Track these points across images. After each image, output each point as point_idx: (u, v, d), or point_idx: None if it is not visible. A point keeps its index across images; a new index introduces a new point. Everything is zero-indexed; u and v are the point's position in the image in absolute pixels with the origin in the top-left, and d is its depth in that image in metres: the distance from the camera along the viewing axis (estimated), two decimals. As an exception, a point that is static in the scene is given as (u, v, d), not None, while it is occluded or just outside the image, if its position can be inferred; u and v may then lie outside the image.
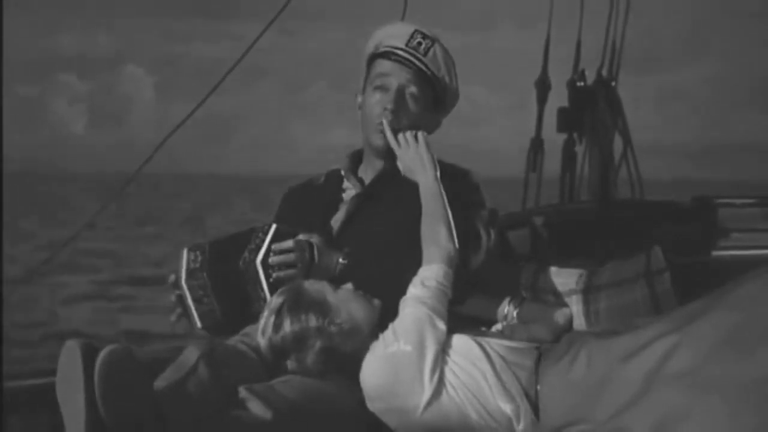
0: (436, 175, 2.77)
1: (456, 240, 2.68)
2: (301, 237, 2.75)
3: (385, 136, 2.83)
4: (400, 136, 2.82)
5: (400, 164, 2.83)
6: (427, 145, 2.81)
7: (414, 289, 2.62)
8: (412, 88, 2.84)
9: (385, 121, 2.82)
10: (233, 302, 2.78)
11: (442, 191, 2.75)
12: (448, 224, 2.70)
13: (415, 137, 2.82)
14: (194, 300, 2.80)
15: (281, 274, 2.70)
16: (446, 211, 2.72)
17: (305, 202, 2.99)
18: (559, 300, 3.04)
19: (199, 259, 2.80)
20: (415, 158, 2.80)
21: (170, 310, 2.85)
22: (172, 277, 2.83)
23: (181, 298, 2.82)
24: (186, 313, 2.82)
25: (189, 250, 2.84)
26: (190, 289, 2.80)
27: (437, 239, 2.67)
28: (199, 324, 2.81)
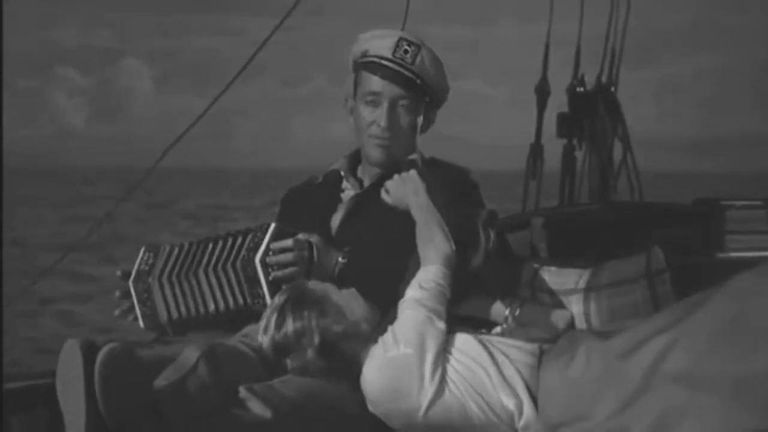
0: (426, 196, 2.76)
1: (452, 241, 2.67)
2: (300, 236, 2.75)
3: (380, 156, 2.88)
4: (398, 177, 2.81)
5: (388, 198, 2.82)
6: (418, 178, 2.80)
7: (412, 292, 2.62)
8: (404, 101, 2.86)
9: (384, 193, 2.82)
10: (181, 310, 2.81)
11: (432, 205, 2.75)
12: (442, 227, 2.70)
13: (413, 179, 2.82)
14: (138, 301, 2.86)
15: (279, 273, 2.70)
16: (438, 216, 2.72)
17: (304, 202, 3.00)
18: (557, 301, 3.04)
19: (151, 261, 2.84)
20: (402, 189, 2.79)
21: (116, 304, 2.90)
22: (120, 273, 2.89)
23: (127, 294, 2.88)
24: (132, 308, 2.88)
25: (145, 251, 2.89)
26: (135, 290, 2.86)
27: (433, 241, 2.67)
28: (141, 323, 2.86)
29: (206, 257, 2.79)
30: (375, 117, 2.86)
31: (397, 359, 2.52)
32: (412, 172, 2.81)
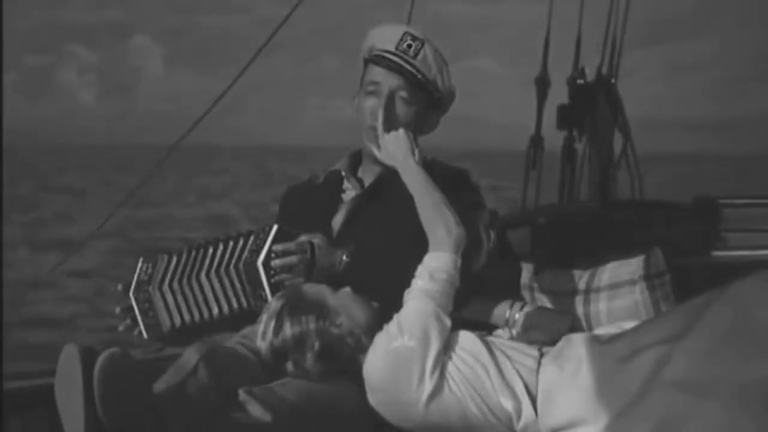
0: (416, 160, 2.77)
1: (461, 224, 2.67)
2: (303, 237, 2.75)
3: (377, 150, 2.86)
4: (386, 135, 2.83)
5: (380, 153, 2.82)
6: (411, 138, 2.81)
7: (422, 282, 2.60)
8: (403, 92, 2.86)
9: (378, 124, 2.83)
10: (184, 317, 2.80)
11: (427, 176, 2.74)
12: (448, 206, 2.68)
13: (399, 136, 2.83)
14: (140, 312, 2.86)
15: (283, 276, 2.70)
16: (441, 194, 2.70)
17: (305, 203, 3.00)
18: (558, 303, 3.05)
19: (149, 271, 2.85)
20: (395, 144, 2.79)
21: (119, 320, 2.89)
22: (120, 287, 2.88)
23: (129, 309, 2.87)
24: (135, 322, 2.87)
25: (143, 262, 2.90)
26: (136, 301, 2.86)
27: (445, 222, 2.65)
28: (145, 335, 2.85)
29: (207, 261, 2.79)
30: (375, 107, 2.86)
31: (400, 351, 2.52)
32: (401, 131, 2.81)
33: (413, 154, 2.78)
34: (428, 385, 2.49)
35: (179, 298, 2.80)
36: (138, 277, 2.87)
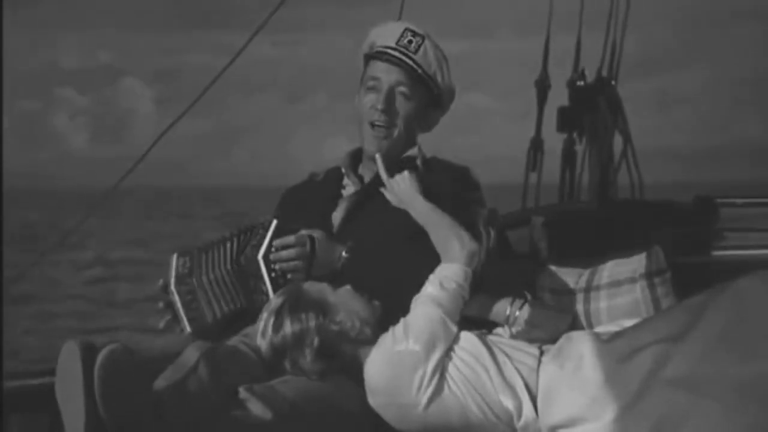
0: (421, 199, 2.78)
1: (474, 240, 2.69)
2: (303, 232, 2.75)
3: (375, 144, 2.88)
4: (391, 179, 2.84)
5: (390, 197, 2.84)
6: (415, 183, 2.82)
7: (432, 289, 2.62)
8: (403, 87, 2.88)
9: (378, 156, 2.85)
10: (222, 307, 2.79)
11: (435, 207, 2.76)
12: (459, 227, 2.71)
13: (405, 178, 2.84)
14: (183, 305, 2.82)
15: (284, 265, 2.70)
16: (450, 218, 2.73)
17: (305, 199, 3.00)
18: (558, 301, 3.04)
19: (188, 264, 2.82)
20: (404, 192, 2.81)
21: (159, 316, 2.85)
22: (161, 282, 2.84)
23: (170, 304, 2.83)
24: (175, 318, 2.82)
25: (178, 256, 2.86)
26: (179, 294, 2.81)
27: (459, 238, 2.68)
28: (188, 329, 2.81)
29: (221, 254, 2.79)
30: (374, 102, 2.87)
31: (403, 354, 2.52)
32: (405, 173, 2.83)
33: (418, 192, 2.79)
34: (429, 388, 2.50)
35: (216, 289, 2.78)
36: (177, 270, 2.82)
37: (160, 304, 2.84)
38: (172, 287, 2.82)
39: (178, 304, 2.81)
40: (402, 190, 2.81)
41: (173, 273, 2.83)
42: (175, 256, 2.86)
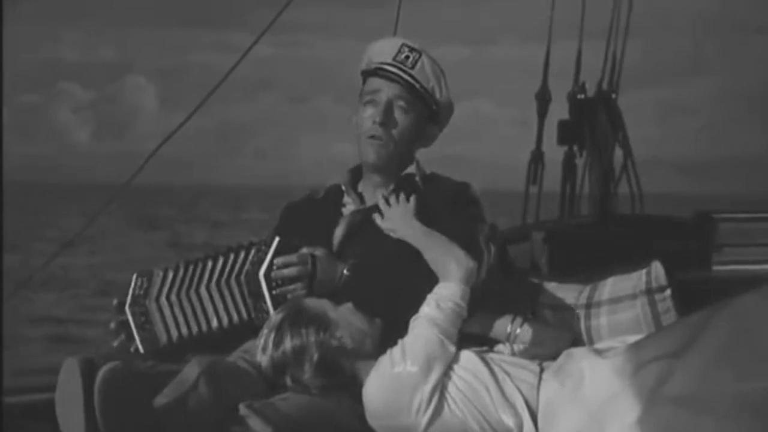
0: (419, 225, 2.77)
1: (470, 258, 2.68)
2: (304, 250, 2.75)
3: (374, 154, 2.88)
4: (392, 198, 2.84)
5: (384, 225, 2.82)
6: (411, 207, 2.81)
7: (428, 309, 2.61)
8: (401, 101, 2.88)
9: (380, 202, 2.85)
10: (182, 330, 2.79)
11: (429, 229, 2.75)
12: (454, 245, 2.70)
13: (402, 202, 2.83)
14: (136, 326, 2.84)
15: (283, 288, 2.70)
16: (446, 238, 2.72)
17: (305, 217, 2.99)
18: (559, 317, 3.04)
19: (144, 286, 2.84)
20: (399, 217, 2.80)
21: (113, 335, 2.87)
22: (115, 302, 2.86)
23: (124, 324, 2.85)
24: (131, 337, 2.85)
25: (138, 276, 2.89)
26: (132, 315, 2.84)
27: (455, 256, 2.67)
28: (141, 349, 2.83)
29: (207, 274, 2.78)
30: (373, 116, 2.88)
31: (402, 376, 2.52)
32: (402, 197, 2.82)
33: (413, 216, 2.78)
34: (428, 410, 2.50)
35: (177, 310, 2.79)
36: (133, 291, 2.86)
37: (112, 325, 2.87)
38: (127, 307, 2.85)
39: (132, 325, 2.84)
40: (397, 214, 2.81)
41: (130, 293, 2.86)
42: (135, 276, 2.89)
